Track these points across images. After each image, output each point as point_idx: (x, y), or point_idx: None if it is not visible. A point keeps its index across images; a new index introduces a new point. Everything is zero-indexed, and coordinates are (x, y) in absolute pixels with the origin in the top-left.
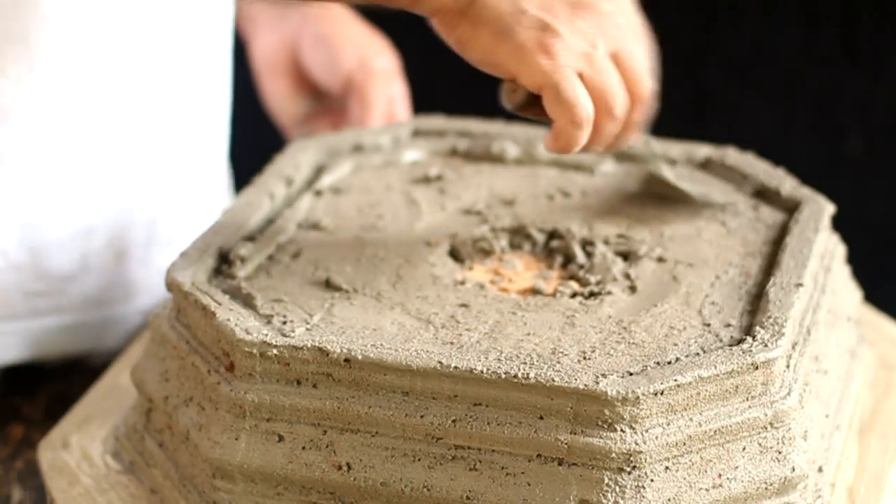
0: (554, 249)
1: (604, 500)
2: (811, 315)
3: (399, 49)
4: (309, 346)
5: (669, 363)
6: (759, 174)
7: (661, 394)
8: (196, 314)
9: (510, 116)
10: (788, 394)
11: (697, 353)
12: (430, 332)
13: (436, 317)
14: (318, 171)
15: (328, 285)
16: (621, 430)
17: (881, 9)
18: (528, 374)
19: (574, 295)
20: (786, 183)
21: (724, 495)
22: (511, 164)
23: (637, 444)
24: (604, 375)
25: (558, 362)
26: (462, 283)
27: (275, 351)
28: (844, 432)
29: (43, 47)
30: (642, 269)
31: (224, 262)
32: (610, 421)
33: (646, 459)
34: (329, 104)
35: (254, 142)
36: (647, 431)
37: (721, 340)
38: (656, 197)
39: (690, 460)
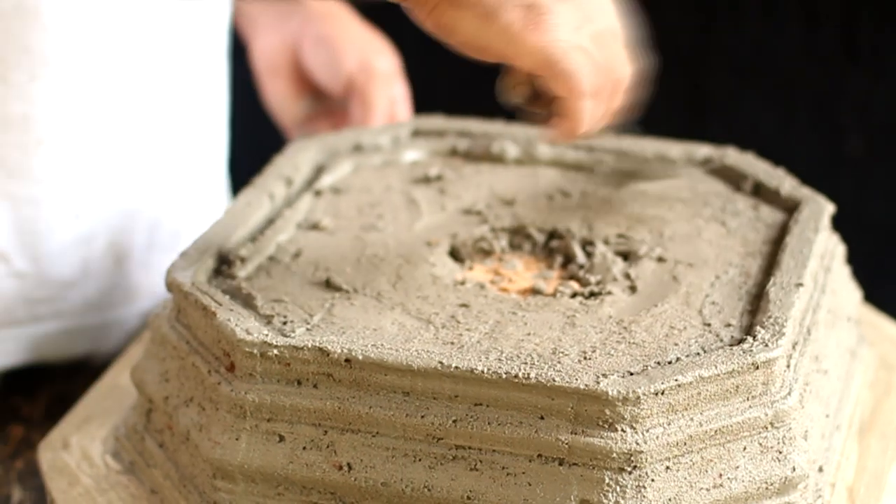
0: (554, 249)
1: (604, 500)
2: (811, 315)
3: (399, 49)
4: (309, 346)
5: (670, 363)
6: (758, 174)
7: (662, 393)
8: (196, 314)
9: (510, 116)
10: (789, 394)
11: (698, 353)
12: (430, 332)
13: (436, 317)
14: (318, 171)
15: (328, 285)
16: (622, 430)
17: (881, 9)
18: (528, 374)
19: (574, 295)
20: (786, 183)
21: (725, 495)
22: (511, 164)
23: (638, 443)
24: (604, 375)
25: (559, 362)
26: (462, 283)
27: (275, 351)
28: (844, 432)
29: (44, 56)
30: (642, 269)
31: (224, 263)
32: (611, 421)
33: (646, 459)
34: (330, 105)
35: (254, 142)
36: (647, 431)
37: (721, 340)
38: (625, 175)
39: (691, 460)
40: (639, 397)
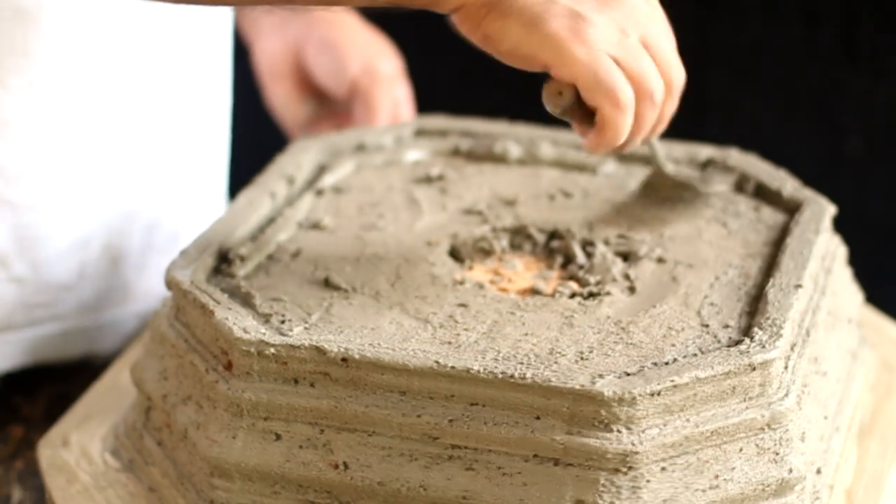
0: (554, 250)
1: (599, 501)
2: (810, 316)
3: (402, 50)
4: (306, 345)
5: (667, 364)
6: (760, 175)
7: (658, 394)
8: (195, 313)
9: (514, 116)
10: (786, 395)
11: (695, 354)
12: (427, 332)
13: (434, 316)
14: (320, 171)
15: (327, 284)
16: (617, 431)
17: (881, 9)
18: (524, 374)
19: (573, 295)
20: (787, 184)
21: (721, 496)
22: (513, 164)
23: (633, 444)
24: (600, 376)
25: (555, 362)
26: (461, 282)
27: (272, 350)
28: (844, 434)
29: (43, 61)
30: (642, 270)
31: (224, 261)
32: (606, 421)
33: (642, 460)
34: (333, 108)
35: (254, 144)
36: (643, 432)
37: (719, 341)
38: (657, 196)
39: (687, 461)
40: (634, 398)
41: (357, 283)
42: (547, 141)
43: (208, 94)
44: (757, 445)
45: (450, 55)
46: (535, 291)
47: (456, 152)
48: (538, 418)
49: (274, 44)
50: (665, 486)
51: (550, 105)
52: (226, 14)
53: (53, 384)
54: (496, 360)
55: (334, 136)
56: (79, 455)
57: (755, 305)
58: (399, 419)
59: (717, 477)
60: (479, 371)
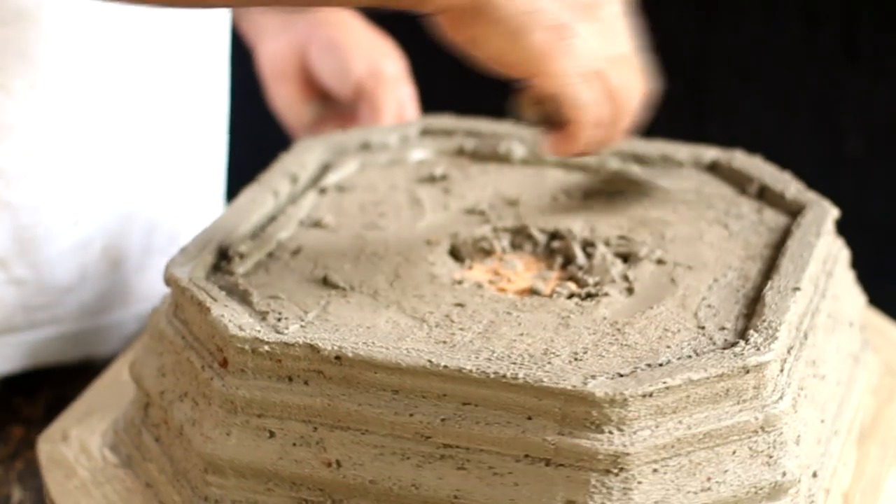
0: (555, 250)
1: (590, 502)
2: (809, 319)
3: (405, 50)
4: (300, 342)
5: (661, 365)
6: (764, 177)
7: (650, 396)
8: (192, 310)
9: (518, 117)
10: (781, 398)
11: (689, 356)
12: (423, 331)
13: (430, 315)
14: (325, 170)
15: (325, 283)
16: (609, 432)
17: (881, 9)
18: (517, 374)
19: (571, 296)
20: (791, 186)
21: (713, 499)
22: (517, 164)
23: (625, 445)
24: (593, 377)
25: (549, 363)
26: (460, 282)
27: (266, 347)
28: (843, 437)
29: (44, 63)
30: (641, 271)
31: (223, 259)
32: (597, 422)
33: (633, 461)
34: (338, 109)
35: (255, 145)
36: (635, 433)
37: (715, 343)
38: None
39: (679, 463)
40: (626, 399)
41: (356, 281)
42: None
43: (206, 97)
44: (750, 448)
45: (454, 56)
46: (533, 292)
47: (460, 152)
48: (530, 418)
49: (277, 45)
50: (656, 487)
51: (527, 113)
52: (223, 16)
53: (54, 385)
54: (489, 359)
55: (339, 135)
56: (78, 450)
57: (753, 308)
58: (391, 418)
59: (709, 479)
60: (471, 371)
